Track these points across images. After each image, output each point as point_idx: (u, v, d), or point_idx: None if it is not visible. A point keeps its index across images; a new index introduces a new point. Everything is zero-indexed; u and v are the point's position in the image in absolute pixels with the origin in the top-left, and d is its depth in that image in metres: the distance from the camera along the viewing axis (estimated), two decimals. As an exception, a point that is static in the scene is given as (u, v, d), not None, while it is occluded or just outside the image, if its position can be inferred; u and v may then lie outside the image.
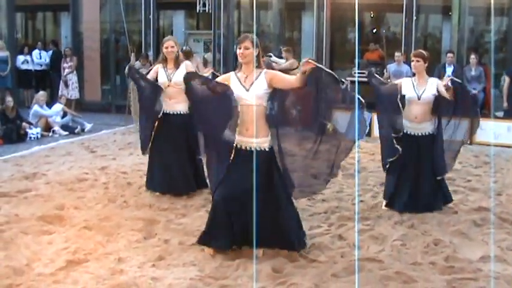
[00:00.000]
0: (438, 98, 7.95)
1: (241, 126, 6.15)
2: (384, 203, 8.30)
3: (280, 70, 8.39)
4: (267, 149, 6.17)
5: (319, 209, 8.16)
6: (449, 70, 15.55)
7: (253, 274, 5.75)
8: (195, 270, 5.87)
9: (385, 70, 16.09)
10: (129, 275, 5.71)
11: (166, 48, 8.57)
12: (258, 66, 6.23)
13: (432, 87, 7.95)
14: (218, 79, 6.56)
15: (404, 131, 8.09)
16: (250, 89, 6.11)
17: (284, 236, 6.30)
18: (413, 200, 8.02)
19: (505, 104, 14.76)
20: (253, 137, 6.11)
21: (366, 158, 11.56)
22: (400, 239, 6.92)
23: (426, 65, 8.08)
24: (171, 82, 8.47)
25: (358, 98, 6.02)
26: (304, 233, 6.59)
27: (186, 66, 8.54)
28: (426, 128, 8.04)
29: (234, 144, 6.19)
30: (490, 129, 13.60)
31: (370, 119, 13.01)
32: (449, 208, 8.24)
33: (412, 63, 8.11)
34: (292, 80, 6.09)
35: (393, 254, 6.48)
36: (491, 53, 18.84)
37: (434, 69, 15.69)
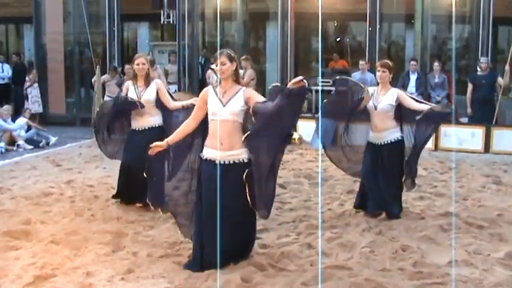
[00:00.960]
0: (401, 109, 8.05)
1: (214, 139, 6.12)
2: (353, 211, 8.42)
3: None
4: (245, 160, 6.14)
5: (287, 218, 8.18)
6: (413, 78, 15.68)
7: (222, 284, 5.75)
8: (165, 282, 5.84)
9: (349, 79, 16.17)
10: (98, 288, 5.67)
11: (138, 65, 8.48)
12: (237, 81, 6.26)
13: (390, 97, 8.00)
14: (197, 105, 6.44)
15: (369, 140, 8.21)
16: (227, 104, 6.10)
17: (246, 247, 6.42)
18: (378, 205, 8.14)
19: (469, 110, 14.92)
20: (227, 151, 6.09)
21: (332, 166, 11.49)
22: (368, 245, 6.96)
23: (391, 75, 8.15)
24: (141, 100, 8.41)
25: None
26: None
27: (157, 85, 8.50)
28: (387, 136, 8.07)
29: (205, 158, 6.20)
30: (455, 135, 13.76)
31: (336, 128, 13.04)
32: (416, 214, 8.31)
33: (378, 73, 8.16)
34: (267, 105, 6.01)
35: (362, 261, 6.51)
36: (453, 60, 19.05)
37: (398, 77, 15.84)
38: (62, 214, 8.22)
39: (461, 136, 13.80)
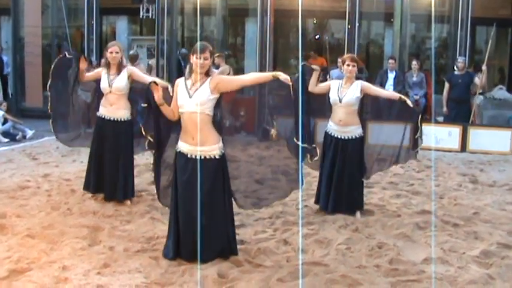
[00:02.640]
0: (366, 100, 8.11)
1: (186, 134, 6.13)
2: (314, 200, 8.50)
3: None
4: (217, 157, 6.13)
5: (264, 214, 8.18)
6: (391, 76, 15.77)
7: (198, 280, 5.75)
8: (141, 277, 5.82)
9: (328, 76, 16.21)
10: (74, 283, 5.64)
11: (111, 53, 8.44)
12: (209, 74, 6.14)
13: (355, 90, 7.99)
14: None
15: (330, 133, 8.20)
16: (193, 95, 6.04)
17: (223, 242, 6.35)
18: (336, 201, 8.18)
19: (445, 109, 15.02)
20: (199, 146, 6.05)
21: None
22: (344, 242, 6.99)
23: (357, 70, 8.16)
24: (112, 88, 8.38)
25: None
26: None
27: (128, 71, 8.47)
28: (352, 131, 8.08)
29: (178, 151, 6.21)
30: (432, 134, 13.82)
31: (314, 124, 13.08)
32: (392, 212, 8.36)
33: (348, 68, 8.06)
34: (244, 78, 6.23)
35: (338, 257, 6.54)
36: (432, 59, 19.17)
37: (376, 75, 15.91)
38: (38, 208, 8.16)
39: (438, 135, 13.89)
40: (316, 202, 8.49)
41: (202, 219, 6.03)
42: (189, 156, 6.10)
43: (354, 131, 8.07)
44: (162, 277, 5.86)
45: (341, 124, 8.06)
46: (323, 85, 8.28)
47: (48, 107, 9.03)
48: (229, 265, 6.14)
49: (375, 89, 8.12)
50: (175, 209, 6.27)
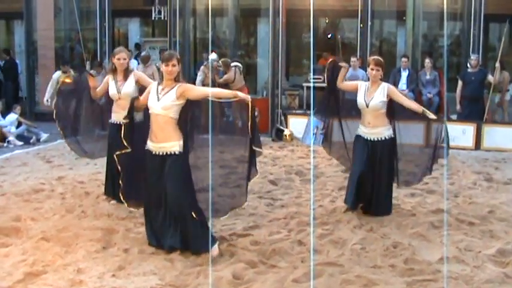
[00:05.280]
0: (392, 104, 8.01)
1: (152, 133, 6.66)
2: (344, 208, 8.28)
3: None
4: (176, 153, 6.57)
5: (278, 214, 8.17)
6: (404, 75, 15.74)
7: (213, 281, 5.74)
8: (156, 279, 5.84)
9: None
10: (89, 285, 5.66)
11: (118, 59, 8.46)
12: (177, 80, 6.66)
13: (381, 94, 7.92)
14: (146, 92, 7.00)
15: (360, 135, 8.14)
16: (160, 99, 6.57)
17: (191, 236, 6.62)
18: (369, 205, 8.12)
19: (458, 107, 14.95)
20: (160, 143, 6.59)
21: (323, 163, 11.60)
22: (359, 242, 6.97)
23: (383, 73, 8.07)
24: (121, 94, 8.37)
25: None
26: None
27: (135, 76, 8.49)
28: (381, 133, 8.02)
29: (146, 149, 6.72)
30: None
31: (327, 124, 13.06)
32: (407, 211, 8.32)
33: (372, 72, 8.00)
34: (208, 91, 6.70)
35: (353, 257, 6.52)
36: (445, 57, 19.09)
37: (389, 74, 15.85)
38: (53, 211, 8.19)
39: (452, 133, 13.80)
40: (346, 202, 8.32)
41: (167, 207, 6.61)
42: (153, 153, 6.65)
43: (383, 132, 8.01)
44: (176, 279, 5.87)
45: (370, 126, 8.02)
46: (350, 83, 8.34)
47: (54, 117, 9.21)
48: (244, 266, 6.15)
49: (399, 96, 8.03)
50: (148, 203, 6.84)
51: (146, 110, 6.84)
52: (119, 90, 8.40)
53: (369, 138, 8.05)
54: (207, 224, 6.63)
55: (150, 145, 6.66)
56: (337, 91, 8.44)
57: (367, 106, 7.93)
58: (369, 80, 8.19)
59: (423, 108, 8.08)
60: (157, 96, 6.60)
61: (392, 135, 8.09)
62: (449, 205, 8.60)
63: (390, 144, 8.09)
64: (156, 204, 6.71)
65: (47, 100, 15.16)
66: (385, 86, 8.01)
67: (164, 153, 6.58)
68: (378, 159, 8.04)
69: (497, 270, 6.17)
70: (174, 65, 6.56)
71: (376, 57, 8.28)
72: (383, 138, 8.02)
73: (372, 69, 8.00)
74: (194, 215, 6.47)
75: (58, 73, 15.56)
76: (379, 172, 8.07)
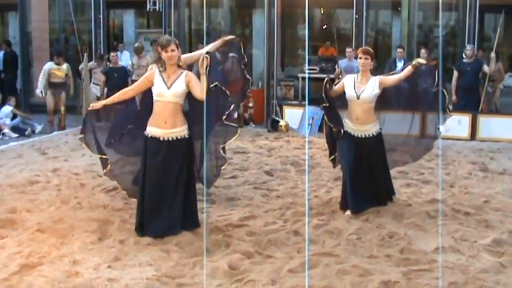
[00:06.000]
0: (384, 94, 7.83)
1: (159, 119, 6.80)
2: (348, 212, 7.83)
3: None
4: (186, 136, 6.87)
5: (274, 205, 8.17)
6: (399, 65, 15.66)
7: (209, 272, 5.75)
8: (152, 270, 5.83)
9: (336, 66, 16.23)
10: (84, 277, 5.64)
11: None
12: (180, 66, 6.89)
13: (373, 86, 7.70)
14: (140, 80, 7.21)
15: (347, 131, 7.86)
16: (171, 87, 6.73)
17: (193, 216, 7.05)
18: (366, 200, 7.88)
19: (454, 97, 14.95)
20: (170, 129, 6.79)
21: (319, 154, 11.61)
22: (355, 232, 6.97)
23: (373, 62, 7.85)
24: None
25: None
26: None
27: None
28: (369, 129, 7.80)
29: (149, 136, 6.87)
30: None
31: (323, 115, 13.06)
32: (403, 201, 8.32)
33: (360, 61, 7.79)
34: (200, 81, 6.77)
35: (349, 248, 6.52)
36: (440, 48, 19.08)
37: (385, 64, 15.85)
38: (48, 202, 8.17)
39: (447, 123, 13.81)
40: (342, 207, 7.95)
41: (174, 194, 6.84)
42: (161, 139, 6.81)
43: (371, 129, 7.81)
44: (173, 270, 5.87)
45: (358, 123, 7.78)
46: (337, 87, 7.99)
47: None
48: (239, 257, 6.14)
49: (391, 79, 7.86)
50: (143, 190, 6.91)
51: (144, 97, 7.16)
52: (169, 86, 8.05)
53: (356, 135, 7.81)
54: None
55: (157, 131, 6.81)
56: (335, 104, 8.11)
57: (358, 98, 7.69)
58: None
59: (412, 64, 7.86)
60: (165, 84, 6.74)
61: (380, 130, 7.90)
62: (444, 195, 8.60)
63: (378, 138, 7.90)
64: (156, 193, 6.84)
65: (41, 91, 15.11)
66: (376, 79, 7.79)
67: (174, 138, 6.79)
68: (366, 155, 7.83)
69: (493, 259, 6.17)
70: (173, 50, 6.69)
71: (363, 47, 8.19)
72: (370, 135, 7.82)
73: (360, 58, 7.79)
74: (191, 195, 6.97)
75: (50, 64, 15.44)
76: (371, 166, 7.89)
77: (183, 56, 7.66)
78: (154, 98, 6.83)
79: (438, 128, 8.14)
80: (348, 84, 7.84)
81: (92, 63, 16.40)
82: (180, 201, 6.87)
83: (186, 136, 6.86)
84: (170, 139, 6.79)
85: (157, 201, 6.83)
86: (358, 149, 7.81)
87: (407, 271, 5.84)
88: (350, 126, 7.85)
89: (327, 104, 7.87)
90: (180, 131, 6.82)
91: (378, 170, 8.00)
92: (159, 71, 6.84)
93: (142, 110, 7.35)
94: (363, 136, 7.82)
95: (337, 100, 8.03)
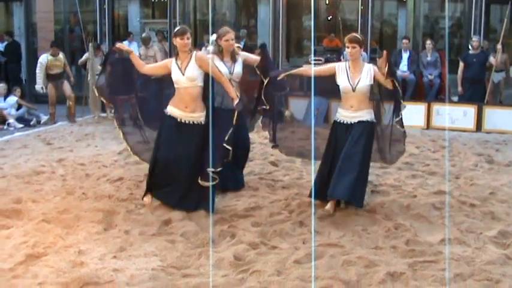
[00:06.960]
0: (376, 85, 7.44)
1: (181, 103, 7.25)
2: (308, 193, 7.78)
3: None
4: (202, 123, 7.26)
5: (279, 196, 8.16)
6: (405, 56, 15.71)
7: (214, 262, 5.75)
8: (157, 260, 5.84)
9: (341, 57, 16.18)
10: (90, 267, 5.65)
11: (227, 41, 8.01)
12: (190, 51, 7.29)
13: (367, 76, 7.29)
14: (159, 63, 8.01)
15: (338, 120, 7.53)
16: (185, 72, 7.17)
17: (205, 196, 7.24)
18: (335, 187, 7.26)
19: (459, 89, 14.92)
20: (190, 113, 7.26)
21: (324, 144, 11.54)
22: (360, 224, 6.97)
23: (362, 50, 7.43)
24: (233, 75, 7.99)
25: None
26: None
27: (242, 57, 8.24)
28: (363, 116, 7.36)
29: (168, 114, 7.33)
30: (447, 114, 13.77)
31: (328, 106, 13.05)
32: (408, 192, 8.30)
33: (348, 50, 7.32)
34: (217, 73, 7.28)
35: (354, 239, 6.52)
36: (446, 39, 19.03)
37: (390, 55, 15.79)
38: (54, 193, 8.18)
39: (453, 115, 13.80)
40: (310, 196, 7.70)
41: (187, 172, 7.30)
42: (179, 120, 7.29)
43: (365, 115, 7.38)
44: (178, 260, 5.87)
45: (352, 109, 7.37)
46: (324, 67, 7.73)
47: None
48: (245, 247, 6.15)
49: (382, 79, 7.24)
50: (155, 161, 7.42)
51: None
52: (231, 71, 8.01)
53: (347, 122, 7.41)
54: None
55: (177, 112, 7.28)
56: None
57: (354, 90, 7.31)
58: (365, 61, 7.81)
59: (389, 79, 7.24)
60: (180, 71, 7.19)
61: (374, 120, 7.49)
62: (450, 187, 8.58)
63: (370, 127, 7.42)
64: (165, 166, 7.34)
65: (42, 87, 15.05)
66: (370, 68, 7.36)
67: (191, 122, 7.26)
68: (352, 138, 7.30)
69: (499, 251, 6.17)
70: (188, 38, 7.18)
71: (350, 34, 7.50)
72: (363, 120, 7.35)
73: (348, 47, 7.31)
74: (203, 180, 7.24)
75: (45, 56, 15.20)
76: (353, 158, 7.24)
77: (243, 53, 8.31)
78: (175, 85, 7.28)
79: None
80: (341, 73, 7.41)
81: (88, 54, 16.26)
82: (190, 179, 7.30)
83: (202, 123, 7.25)
84: (187, 122, 7.27)
85: (165, 172, 7.34)
86: (344, 134, 7.40)
87: (412, 262, 5.83)
88: (343, 114, 7.48)
89: (267, 107, 8.30)
90: (198, 116, 7.26)
91: (358, 163, 7.25)
92: (175, 59, 7.30)
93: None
94: (355, 122, 7.36)
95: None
